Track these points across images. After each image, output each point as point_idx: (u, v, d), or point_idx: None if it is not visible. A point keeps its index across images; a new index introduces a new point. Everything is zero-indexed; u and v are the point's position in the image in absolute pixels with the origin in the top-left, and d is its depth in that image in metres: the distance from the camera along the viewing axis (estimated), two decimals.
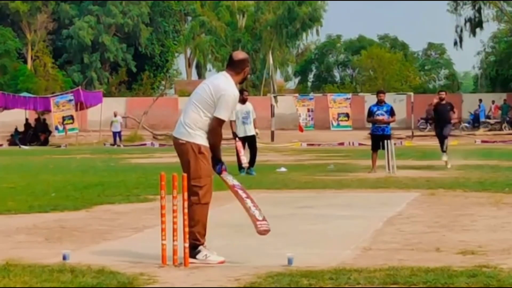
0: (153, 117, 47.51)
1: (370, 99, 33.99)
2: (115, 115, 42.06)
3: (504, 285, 5.36)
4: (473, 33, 56.63)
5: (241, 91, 16.95)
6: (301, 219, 9.44)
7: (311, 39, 74.83)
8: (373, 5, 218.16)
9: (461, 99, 51.58)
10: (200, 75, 72.58)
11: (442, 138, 18.71)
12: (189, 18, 71.60)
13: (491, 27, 70.50)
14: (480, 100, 49.32)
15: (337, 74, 70.83)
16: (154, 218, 8.81)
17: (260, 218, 6.54)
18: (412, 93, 45.27)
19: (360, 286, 5.40)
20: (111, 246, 7.53)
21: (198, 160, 6.53)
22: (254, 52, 63.93)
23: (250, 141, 17.14)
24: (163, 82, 69.16)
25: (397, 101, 43.79)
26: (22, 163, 23.84)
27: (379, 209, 10.31)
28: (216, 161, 6.64)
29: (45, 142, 42.86)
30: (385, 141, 17.13)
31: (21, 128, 44.13)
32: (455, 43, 57.73)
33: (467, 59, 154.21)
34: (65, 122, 42.07)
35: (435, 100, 19.43)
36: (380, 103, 17.68)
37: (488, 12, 56.74)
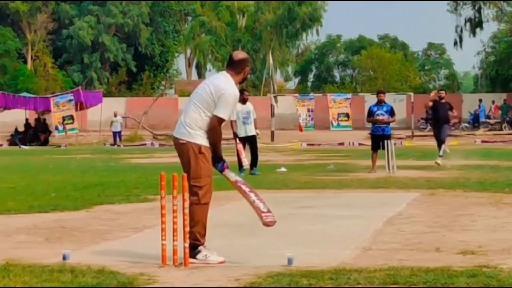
0: (153, 117, 47.52)
1: (370, 99, 34.01)
2: (115, 115, 42.06)
3: (504, 285, 5.36)
4: (473, 33, 56.65)
5: (242, 91, 16.95)
6: (301, 219, 9.44)
7: (311, 39, 75.08)
8: (373, 5, 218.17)
9: (461, 99, 51.61)
10: (200, 75, 72.59)
11: (439, 142, 18.57)
12: (189, 18, 71.61)
13: (491, 27, 70.56)
14: (480, 100, 49.33)
15: (337, 74, 70.85)
16: (154, 218, 8.81)
17: (265, 210, 6.56)
18: (412, 93, 45.31)
19: (360, 286, 5.40)
20: (111, 246, 7.53)
21: (198, 160, 6.53)
22: (254, 52, 63.94)
23: (250, 141, 17.13)
24: (163, 82, 69.17)
25: (397, 101, 43.84)
26: (22, 163, 23.84)
27: (379, 209, 10.31)
28: (218, 159, 6.64)
29: (45, 142, 42.87)
30: (385, 141, 17.12)
31: (21, 128, 44.14)
32: (455, 43, 57.79)
33: (467, 59, 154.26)
34: (65, 122, 42.07)
35: (432, 94, 19.42)
36: (380, 103, 17.68)
37: (488, 12, 56.82)
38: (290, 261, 6.19)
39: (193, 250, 6.43)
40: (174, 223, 6.27)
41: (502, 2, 55.80)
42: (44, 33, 61.86)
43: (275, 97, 43.82)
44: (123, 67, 63.21)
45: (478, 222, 8.90)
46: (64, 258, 6.47)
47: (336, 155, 26.63)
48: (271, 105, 42.80)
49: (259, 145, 17.83)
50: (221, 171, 6.66)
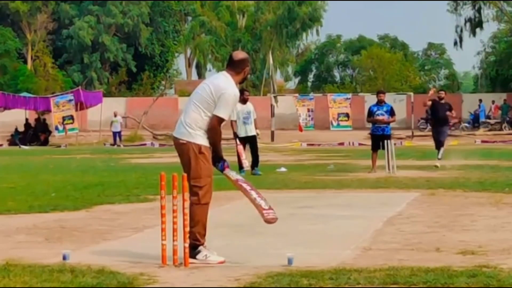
0: (153, 117, 47.52)
1: (370, 99, 34.02)
2: (115, 115, 42.07)
3: (504, 285, 5.36)
4: (473, 33, 56.65)
5: (242, 91, 16.97)
6: (301, 219, 9.44)
7: (311, 39, 75.09)
8: (373, 5, 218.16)
9: (461, 99, 51.62)
10: (200, 75, 72.59)
11: (438, 144, 18.49)
12: (189, 18, 71.61)
13: (491, 27, 70.63)
14: (480, 100, 49.32)
15: (337, 74, 70.85)
16: (154, 218, 8.80)
17: (266, 207, 6.57)
18: (412, 93, 45.31)
19: (360, 286, 5.40)
20: (111, 246, 7.53)
21: (199, 160, 6.53)
22: (254, 52, 63.93)
23: (251, 141, 17.14)
24: (163, 82, 69.16)
25: (397, 101, 43.84)
26: (22, 163, 23.84)
27: (379, 209, 10.31)
28: (218, 159, 6.65)
29: (45, 142, 42.88)
30: (385, 141, 17.12)
31: (21, 128, 44.15)
32: (455, 43, 57.79)
33: (467, 59, 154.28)
34: (65, 122, 42.08)
35: (431, 92, 19.38)
36: (380, 103, 17.68)
37: (488, 12, 56.82)
38: (290, 261, 6.19)
39: (193, 250, 6.44)
40: (174, 223, 6.27)
41: (502, 2, 55.80)
42: (44, 33, 61.87)
43: (275, 97, 43.83)
44: (123, 67, 63.21)
45: (478, 222, 8.90)
46: (64, 258, 6.47)
47: (336, 155, 26.63)
48: (271, 105, 42.81)
49: (259, 145, 17.84)
50: (222, 170, 6.67)
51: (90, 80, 62.51)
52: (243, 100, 16.86)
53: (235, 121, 16.80)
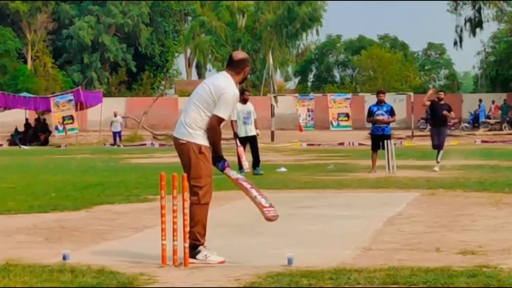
0: (153, 117, 47.52)
1: (370, 99, 34.01)
2: (115, 115, 42.07)
3: (504, 285, 5.36)
4: (473, 33, 56.64)
5: (243, 91, 16.97)
6: (301, 219, 9.44)
7: (311, 39, 75.10)
8: (373, 5, 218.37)
9: (461, 99, 51.62)
10: (200, 75, 72.59)
11: (437, 147, 18.38)
12: (189, 18, 71.61)
13: (491, 27, 70.63)
14: (480, 100, 49.32)
15: (337, 74, 70.84)
16: (154, 218, 8.81)
17: (267, 205, 6.58)
18: (412, 93, 45.31)
19: (360, 286, 5.40)
20: (111, 246, 7.53)
21: (199, 160, 6.53)
22: (254, 52, 63.94)
23: (251, 141, 17.13)
24: (163, 82, 69.15)
25: (397, 101, 43.84)
26: (22, 163, 23.84)
27: (379, 209, 10.31)
28: (218, 159, 6.65)
29: (45, 142, 42.87)
30: (385, 141, 17.13)
31: (21, 128, 44.14)
32: (455, 43, 57.78)
33: (467, 59, 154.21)
34: (65, 122, 42.08)
35: (429, 92, 19.34)
36: (380, 103, 17.68)
37: (488, 12, 56.81)
38: (290, 261, 6.19)
39: (193, 250, 6.44)
40: (174, 223, 6.27)
41: (502, 2, 55.80)
42: (44, 33, 61.86)
43: (275, 97, 43.82)
44: (123, 67, 63.21)
45: (478, 222, 8.91)
46: (64, 258, 6.48)
47: (336, 155, 26.63)
48: (271, 105, 42.81)
49: (259, 145, 17.83)
50: (222, 170, 6.67)
51: (90, 80, 62.51)
52: (244, 100, 16.87)
53: (235, 121, 16.80)
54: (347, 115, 40.37)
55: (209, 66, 70.76)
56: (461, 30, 56.90)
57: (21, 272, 5.89)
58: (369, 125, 18.86)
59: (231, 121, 16.58)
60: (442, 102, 18.55)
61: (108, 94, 55.88)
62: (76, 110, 42.72)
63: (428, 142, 18.81)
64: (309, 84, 70.36)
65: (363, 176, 16.31)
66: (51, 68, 58.78)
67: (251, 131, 17.09)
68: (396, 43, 69.12)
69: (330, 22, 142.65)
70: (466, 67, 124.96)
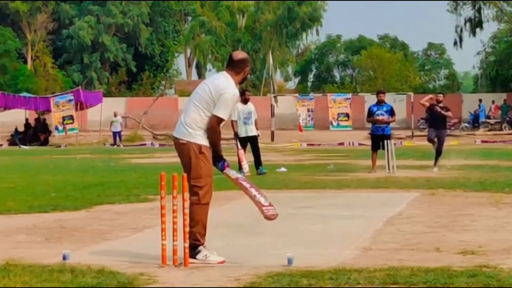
0: (153, 117, 47.52)
1: (370, 99, 34.00)
2: (115, 115, 42.07)
3: (504, 285, 5.36)
4: (473, 33, 56.64)
5: (243, 91, 16.99)
6: (301, 219, 9.44)
7: (311, 39, 75.01)
8: (373, 5, 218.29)
9: (461, 99, 51.62)
10: (200, 75, 72.60)
11: (437, 151, 18.29)
12: (189, 18, 71.61)
13: (491, 27, 70.58)
14: (480, 100, 49.32)
15: (337, 74, 70.82)
16: (154, 218, 8.80)
17: (266, 204, 6.59)
18: (412, 93, 45.30)
19: (360, 286, 5.40)
20: (111, 246, 7.53)
21: (199, 160, 6.53)
22: (254, 52, 63.93)
23: (252, 141, 17.13)
24: (163, 82, 69.15)
25: (397, 101, 43.83)
26: (22, 163, 23.84)
27: (379, 209, 10.31)
28: (218, 159, 6.65)
29: (45, 142, 42.88)
30: (385, 141, 17.13)
31: (21, 128, 44.15)
32: (455, 43, 57.78)
33: (467, 59, 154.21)
34: (65, 122, 42.09)
35: (429, 97, 19.31)
36: (380, 103, 17.68)
37: (488, 12, 56.80)
38: (290, 261, 6.19)
39: (193, 250, 6.44)
40: (174, 223, 6.27)
41: (502, 2, 55.79)
42: (44, 33, 61.86)
43: (275, 97, 43.83)
44: (123, 67, 63.21)
45: (478, 222, 8.91)
46: (64, 258, 6.48)
47: (336, 155, 26.63)
48: (271, 105, 42.81)
49: (259, 145, 17.82)
50: (222, 170, 6.68)
51: (90, 80, 62.50)
52: (244, 100, 16.87)
53: (236, 121, 16.80)
54: (347, 115, 40.38)
55: (209, 66, 70.82)
56: (461, 30, 56.93)
57: (21, 272, 5.89)
58: (369, 125, 18.86)
59: (232, 121, 16.58)
60: (441, 104, 18.43)
61: (108, 94, 55.88)
62: (76, 110, 42.73)
63: (428, 142, 18.79)
64: (309, 84, 70.34)
65: (363, 176, 16.31)
66: (51, 68, 58.78)
67: (252, 131, 17.09)
68: (396, 43, 69.10)
69: (330, 22, 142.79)
70: (466, 67, 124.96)
